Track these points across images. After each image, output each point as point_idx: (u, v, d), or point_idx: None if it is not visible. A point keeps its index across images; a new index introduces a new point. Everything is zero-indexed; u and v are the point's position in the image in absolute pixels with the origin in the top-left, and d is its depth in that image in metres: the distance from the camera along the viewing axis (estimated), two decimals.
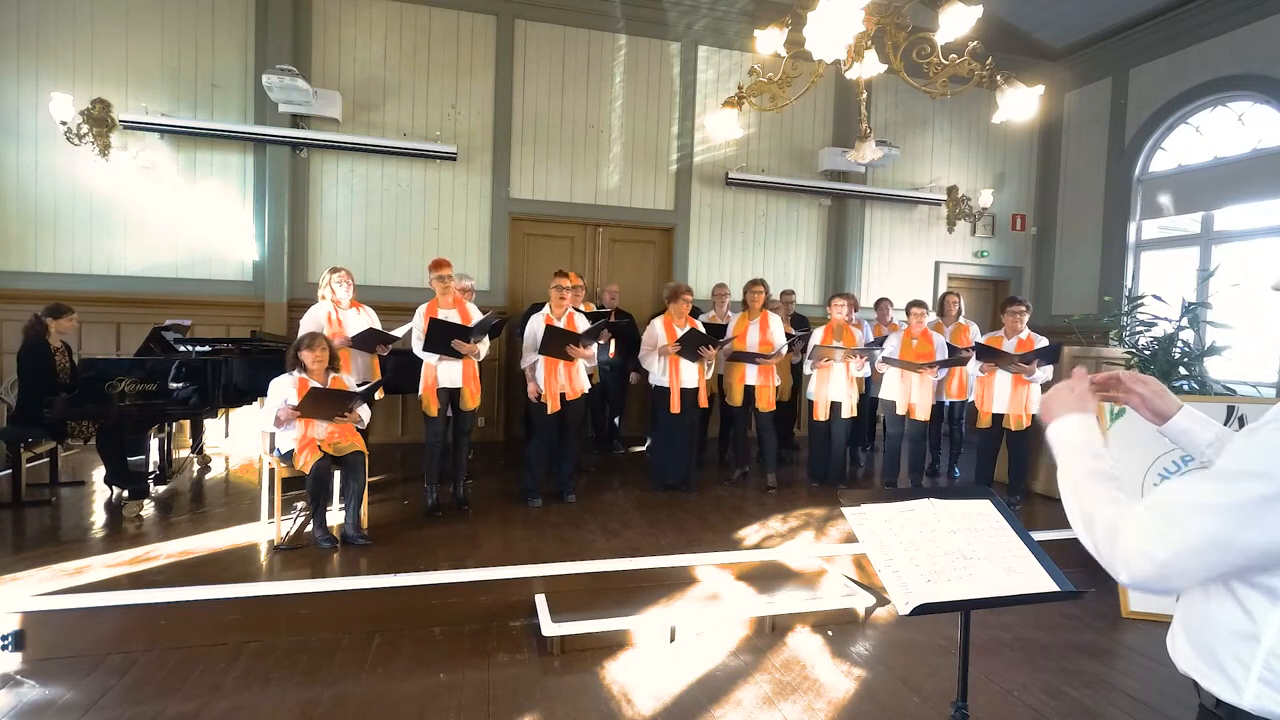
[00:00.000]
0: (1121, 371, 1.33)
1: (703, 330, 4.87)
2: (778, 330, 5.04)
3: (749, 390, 5.03)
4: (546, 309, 4.47)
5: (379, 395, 4.37)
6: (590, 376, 5.57)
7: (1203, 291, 4.98)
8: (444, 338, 4.09)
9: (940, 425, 5.83)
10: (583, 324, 4.52)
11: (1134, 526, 0.93)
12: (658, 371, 4.87)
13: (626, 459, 6.09)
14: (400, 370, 4.66)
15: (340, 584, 3.10)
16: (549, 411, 4.36)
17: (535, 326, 4.39)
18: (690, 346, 4.70)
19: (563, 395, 4.40)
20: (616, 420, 6.44)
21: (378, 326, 4.46)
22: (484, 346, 4.31)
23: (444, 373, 4.18)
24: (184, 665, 2.70)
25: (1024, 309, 4.78)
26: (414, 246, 6.47)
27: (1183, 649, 1.04)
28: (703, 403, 4.89)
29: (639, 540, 3.86)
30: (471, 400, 4.28)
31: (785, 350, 5.07)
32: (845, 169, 7.39)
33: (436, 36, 6.48)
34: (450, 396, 4.26)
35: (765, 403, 4.99)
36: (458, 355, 4.17)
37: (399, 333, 4.40)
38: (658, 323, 4.88)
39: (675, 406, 4.76)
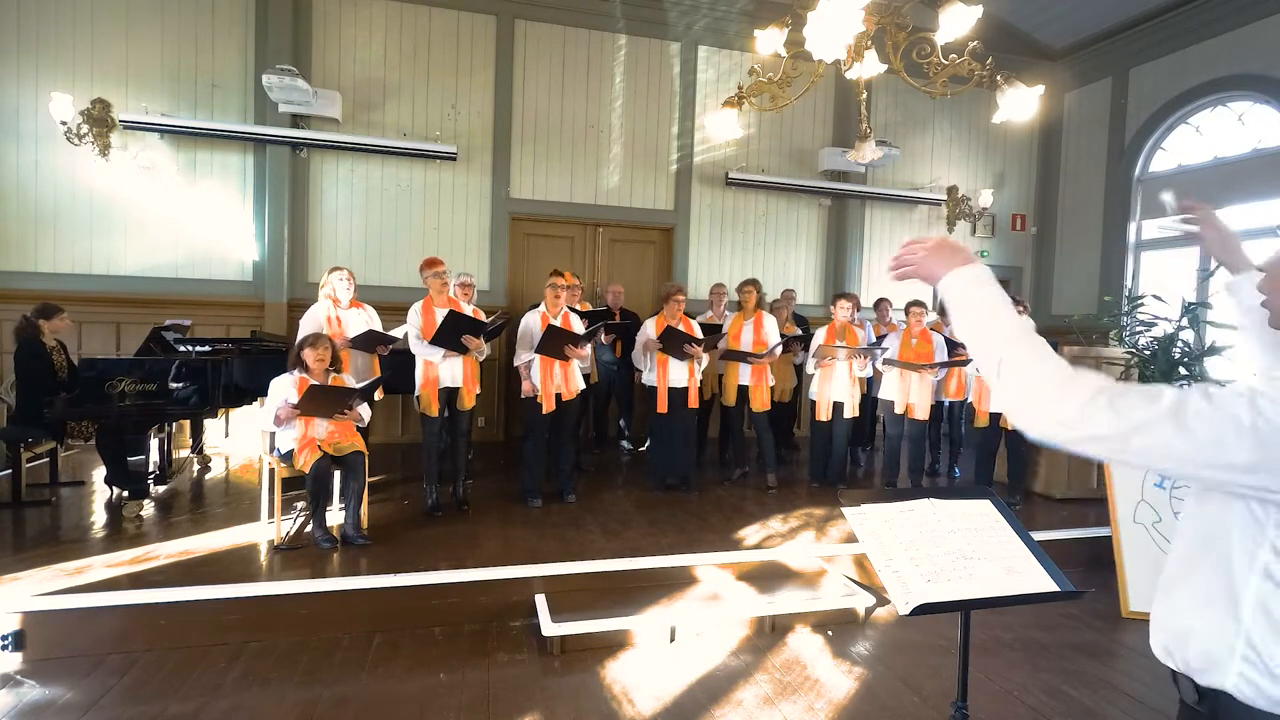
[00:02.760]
0: (1206, 210, 1.30)
1: (697, 329, 4.88)
2: (772, 330, 5.04)
3: (743, 390, 5.04)
4: (542, 307, 4.47)
5: (378, 395, 4.38)
6: (588, 377, 5.58)
7: (1203, 291, 4.98)
8: (456, 332, 4.08)
9: (940, 425, 5.83)
10: (578, 324, 4.52)
11: (1082, 395, 0.92)
12: (647, 370, 4.89)
13: (628, 459, 6.08)
14: (400, 370, 4.66)
15: (340, 584, 3.10)
16: (544, 411, 4.36)
17: (531, 324, 4.38)
18: (674, 345, 4.70)
19: (558, 395, 4.40)
20: (623, 421, 6.44)
21: (378, 326, 4.46)
22: (486, 346, 4.32)
23: (446, 371, 4.18)
24: (184, 665, 2.70)
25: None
26: (414, 246, 6.47)
27: (1166, 638, 1.05)
28: (692, 402, 4.87)
29: (639, 540, 3.86)
30: (469, 400, 4.27)
31: (779, 350, 5.07)
32: (845, 169, 7.38)
33: (436, 36, 6.48)
34: (448, 396, 4.25)
35: (759, 402, 4.99)
36: (462, 351, 4.16)
37: (399, 333, 4.40)
38: (650, 323, 4.89)
39: (662, 406, 4.77)
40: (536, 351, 4.32)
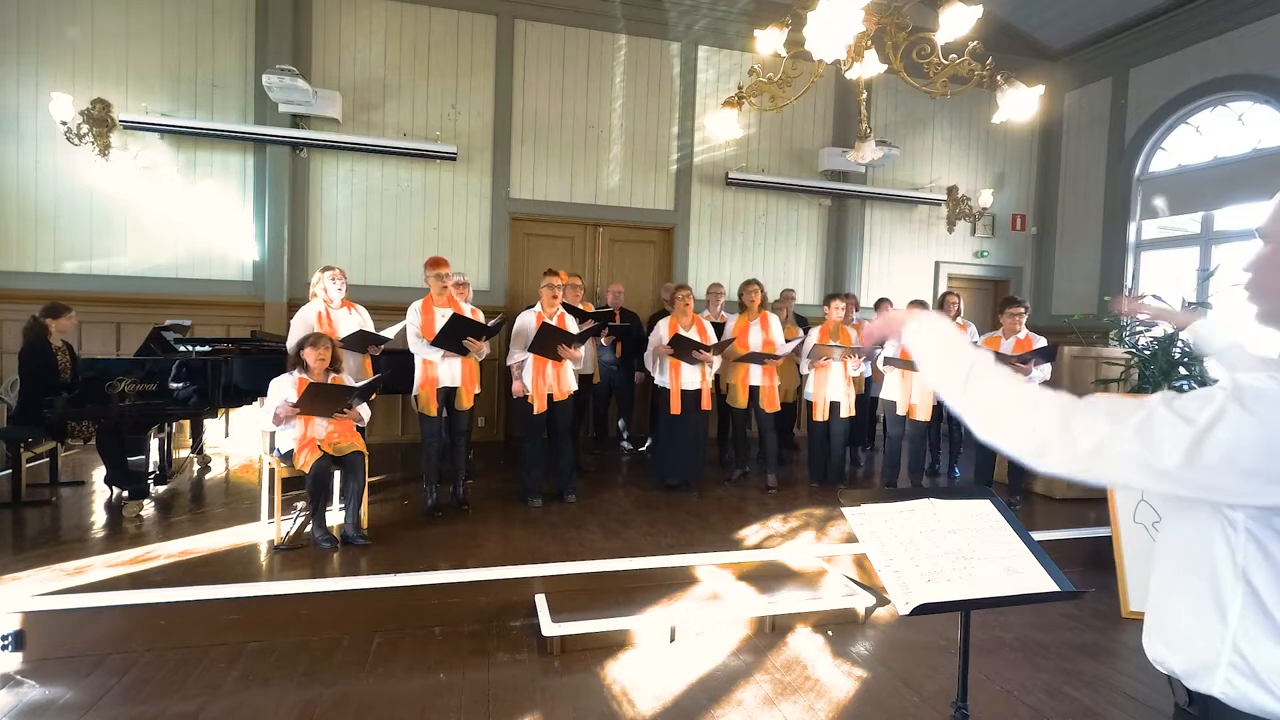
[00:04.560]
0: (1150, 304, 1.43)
1: (710, 330, 4.88)
2: (777, 329, 5.04)
3: (754, 391, 5.03)
4: (538, 307, 4.46)
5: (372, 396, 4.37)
6: (589, 377, 5.58)
7: (1203, 291, 4.98)
8: (459, 334, 4.09)
9: (940, 425, 5.83)
10: (573, 324, 4.51)
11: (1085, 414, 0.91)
12: (659, 373, 4.88)
13: (628, 459, 6.08)
14: (399, 370, 4.65)
15: (340, 584, 3.10)
16: (535, 412, 4.35)
17: (525, 323, 4.37)
18: (684, 350, 4.70)
19: (550, 396, 4.39)
20: (622, 421, 6.43)
21: (370, 326, 4.44)
22: (485, 346, 4.32)
23: (444, 371, 4.18)
24: (184, 665, 2.70)
25: (1023, 310, 4.78)
26: (414, 246, 6.47)
27: (1156, 643, 1.05)
28: (705, 404, 4.88)
29: (639, 540, 3.86)
30: (467, 399, 4.27)
31: (790, 348, 5.07)
32: (845, 169, 7.39)
33: (436, 36, 6.48)
34: (447, 396, 4.25)
35: (770, 403, 4.98)
36: (462, 352, 4.16)
37: (389, 333, 4.39)
38: (662, 324, 4.88)
39: (676, 408, 4.76)
40: (530, 350, 4.31)
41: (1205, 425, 0.83)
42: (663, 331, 4.82)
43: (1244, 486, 0.83)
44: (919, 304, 5.15)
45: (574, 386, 4.55)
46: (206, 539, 3.64)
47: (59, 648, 2.74)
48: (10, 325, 5.47)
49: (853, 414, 5.19)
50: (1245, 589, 0.91)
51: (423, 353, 4.15)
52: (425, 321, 4.14)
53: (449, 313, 4.16)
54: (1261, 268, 0.99)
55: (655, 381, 4.98)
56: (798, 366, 5.89)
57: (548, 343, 4.28)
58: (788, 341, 5.18)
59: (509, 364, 4.49)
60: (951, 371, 1.06)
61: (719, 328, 5.41)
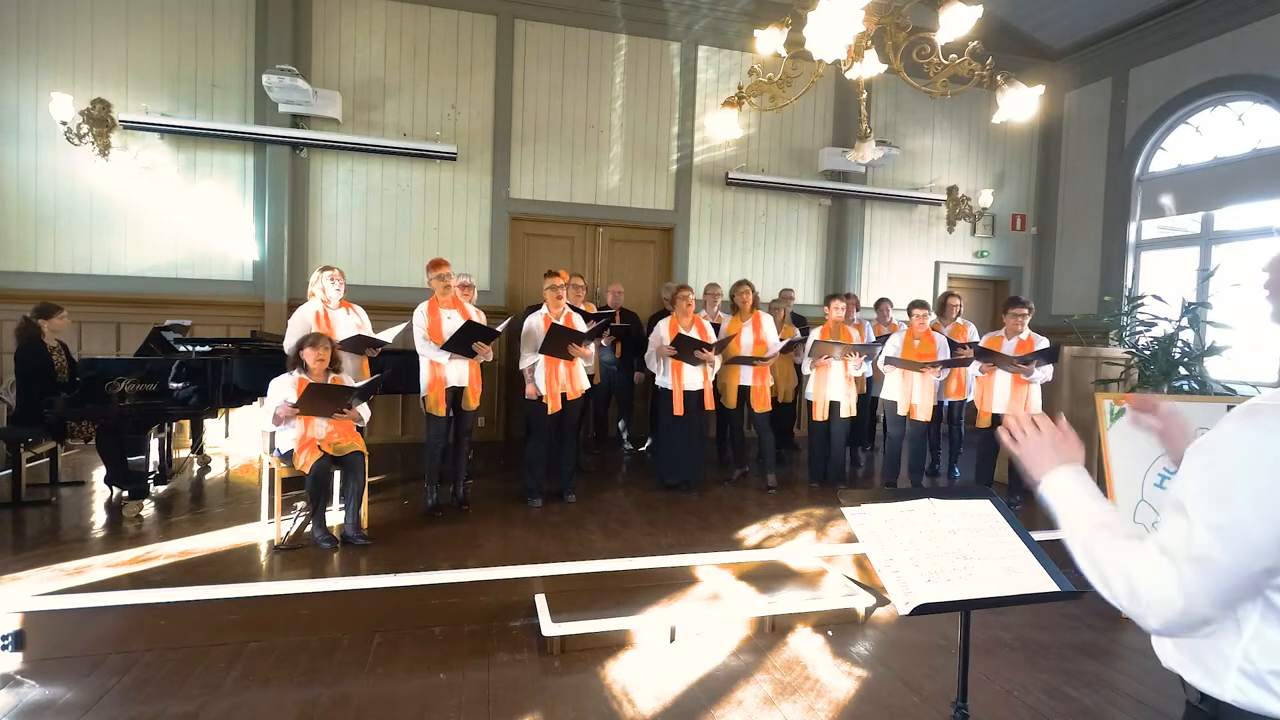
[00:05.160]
0: (1164, 404, 1.33)
1: (710, 331, 4.88)
2: (770, 330, 5.05)
3: (744, 391, 5.04)
4: (543, 308, 4.47)
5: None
6: (590, 377, 5.58)
7: (1203, 291, 4.98)
8: (469, 339, 4.12)
9: (940, 425, 5.83)
10: (580, 323, 4.52)
11: (1150, 579, 0.91)
12: (660, 373, 4.88)
13: (628, 459, 6.09)
14: (400, 370, 4.65)
15: (340, 584, 3.10)
16: (549, 412, 4.35)
17: (534, 326, 4.38)
18: (686, 350, 4.70)
19: (563, 395, 4.40)
20: (622, 422, 6.43)
21: (368, 327, 4.42)
22: (490, 349, 4.34)
23: (452, 372, 4.19)
24: (184, 665, 2.70)
25: (1026, 311, 4.78)
26: (414, 247, 6.47)
27: (1167, 644, 1.05)
28: (708, 404, 4.89)
29: (639, 540, 3.86)
30: (474, 400, 4.28)
31: (780, 350, 5.07)
32: (845, 169, 7.39)
33: (436, 36, 6.48)
34: (454, 396, 4.25)
35: (760, 403, 4.99)
36: (471, 355, 4.18)
37: (387, 336, 4.38)
38: (663, 325, 4.88)
39: (679, 409, 4.76)
40: (540, 352, 4.32)
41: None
42: (663, 332, 4.82)
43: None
44: (920, 305, 5.14)
45: (586, 384, 4.57)
46: (206, 539, 3.65)
47: (59, 648, 2.74)
48: (10, 325, 5.46)
49: (853, 414, 5.19)
50: (1264, 604, 0.91)
51: (430, 354, 4.15)
52: (431, 323, 4.15)
53: (454, 314, 4.20)
54: None
55: (656, 382, 4.98)
56: (797, 367, 5.90)
57: (558, 343, 4.30)
58: (782, 341, 5.19)
59: (521, 368, 4.48)
60: (1075, 528, 1.07)
61: (716, 328, 5.42)
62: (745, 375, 5.01)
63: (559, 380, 4.37)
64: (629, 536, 3.92)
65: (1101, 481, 4.19)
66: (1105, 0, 6.99)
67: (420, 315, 4.18)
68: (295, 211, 6.19)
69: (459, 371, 4.21)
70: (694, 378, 4.81)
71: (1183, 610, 0.89)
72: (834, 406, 5.07)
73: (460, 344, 4.10)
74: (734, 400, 5.08)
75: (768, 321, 5.08)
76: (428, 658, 2.83)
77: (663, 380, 4.88)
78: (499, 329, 4.25)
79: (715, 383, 5.28)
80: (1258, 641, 0.91)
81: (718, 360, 4.89)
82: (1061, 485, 1.12)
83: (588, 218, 6.99)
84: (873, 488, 5.48)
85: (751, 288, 5.09)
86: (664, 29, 6.98)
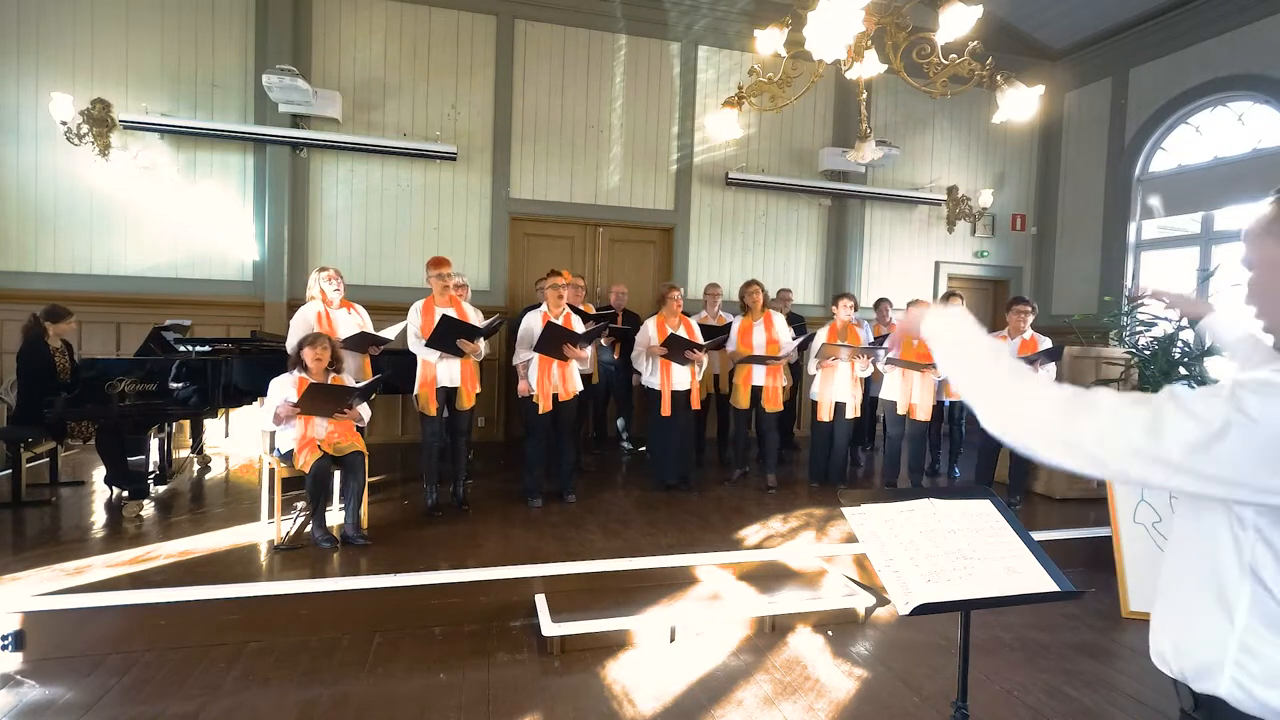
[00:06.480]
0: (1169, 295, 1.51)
1: (697, 330, 4.88)
2: (782, 329, 5.04)
3: (756, 391, 5.02)
4: (544, 307, 4.46)
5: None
6: (590, 377, 5.58)
7: (1203, 291, 4.98)
8: (451, 335, 4.08)
9: (940, 425, 5.82)
10: (579, 325, 4.51)
11: (1115, 420, 0.88)
12: (648, 373, 4.88)
13: (628, 459, 6.08)
14: (400, 370, 4.65)
15: (340, 584, 3.10)
16: (540, 411, 4.35)
17: (532, 324, 4.37)
18: (676, 350, 4.70)
19: (555, 395, 4.39)
20: (621, 422, 6.43)
21: (369, 326, 4.43)
22: (484, 346, 4.31)
23: (444, 371, 4.18)
24: (184, 665, 2.70)
25: (1029, 309, 4.78)
26: (414, 247, 6.47)
27: (1162, 645, 1.05)
28: (695, 404, 4.89)
29: (639, 540, 3.86)
30: (468, 399, 4.27)
31: (794, 347, 5.06)
32: (845, 169, 7.39)
33: (436, 36, 6.48)
34: (447, 396, 4.25)
35: (773, 403, 4.98)
36: (459, 353, 4.17)
37: (390, 333, 4.38)
38: (650, 323, 4.87)
39: (666, 409, 4.76)
40: (535, 350, 4.31)
41: (1219, 428, 0.81)
42: (651, 331, 4.82)
43: (1256, 481, 0.82)
44: (919, 304, 5.14)
45: (579, 386, 4.54)
46: (206, 539, 3.64)
47: (59, 648, 2.74)
48: (10, 325, 5.47)
49: (858, 415, 5.19)
50: (1253, 587, 0.91)
51: (421, 353, 4.15)
52: (425, 322, 4.14)
53: (450, 313, 4.16)
54: (1254, 290, 1.03)
55: (644, 382, 4.97)
56: (791, 366, 5.89)
57: (553, 342, 4.28)
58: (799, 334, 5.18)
59: (515, 364, 4.48)
60: (964, 363, 1.06)
61: (720, 329, 5.41)
62: (758, 375, 5.00)
63: (551, 380, 4.35)
64: (629, 536, 3.92)
65: (1101, 481, 4.19)
66: (1105, 0, 6.99)
67: (415, 314, 4.18)
68: (295, 211, 6.19)
69: (450, 371, 4.19)
70: (681, 378, 4.81)
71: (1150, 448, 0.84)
72: (839, 407, 5.06)
73: (444, 341, 4.07)
74: (746, 400, 5.05)
75: (779, 320, 5.07)
76: (428, 658, 2.83)
77: (650, 380, 4.88)
78: (483, 325, 4.19)
79: (718, 381, 5.28)
80: (1251, 631, 0.91)
81: (704, 360, 4.89)
82: (953, 319, 1.10)
83: (588, 218, 6.99)
84: (873, 488, 5.47)
85: (761, 287, 5.07)
86: (664, 29, 6.98)
